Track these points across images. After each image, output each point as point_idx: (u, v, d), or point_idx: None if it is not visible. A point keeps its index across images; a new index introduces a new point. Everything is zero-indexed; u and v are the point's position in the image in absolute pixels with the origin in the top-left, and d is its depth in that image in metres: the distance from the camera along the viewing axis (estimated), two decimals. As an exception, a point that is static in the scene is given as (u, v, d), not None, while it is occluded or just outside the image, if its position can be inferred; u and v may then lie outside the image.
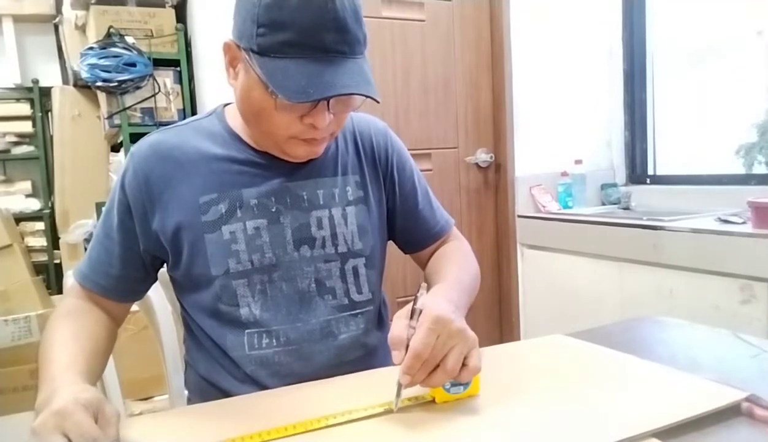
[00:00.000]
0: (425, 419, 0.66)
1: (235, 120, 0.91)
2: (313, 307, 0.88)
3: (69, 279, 0.94)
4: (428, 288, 0.77)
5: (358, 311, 0.92)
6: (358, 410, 0.67)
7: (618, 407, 0.66)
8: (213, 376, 0.90)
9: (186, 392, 0.99)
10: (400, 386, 0.66)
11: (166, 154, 0.87)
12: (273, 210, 0.87)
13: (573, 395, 0.70)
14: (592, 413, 0.65)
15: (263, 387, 0.85)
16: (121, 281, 0.88)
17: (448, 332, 0.66)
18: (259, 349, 0.86)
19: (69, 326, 0.80)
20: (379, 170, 0.98)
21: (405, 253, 1.05)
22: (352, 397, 0.72)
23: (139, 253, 0.88)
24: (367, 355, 0.93)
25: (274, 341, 0.86)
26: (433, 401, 0.69)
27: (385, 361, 0.96)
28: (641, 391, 0.71)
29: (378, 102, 0.78)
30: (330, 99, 0.76)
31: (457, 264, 0.94)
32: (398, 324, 0.69)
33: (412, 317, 0.69)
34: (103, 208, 0.90)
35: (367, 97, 0.77)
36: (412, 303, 0.70)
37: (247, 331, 0.86)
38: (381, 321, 0.99)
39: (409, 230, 1.02)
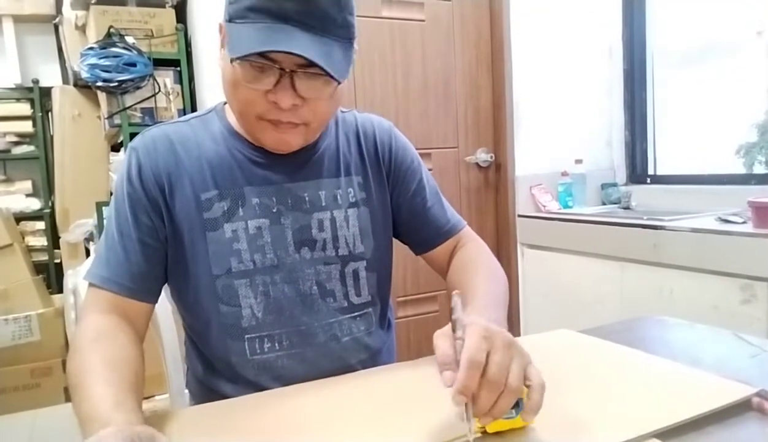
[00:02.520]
0: (427, 415, 0.66)
1: (234, 117, 0.89)
2: (315, 309, 0.88)
3: (87, 292, 0.83)
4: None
5: (357, 313, 0.91)
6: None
7: (629, 403, 0.66)
8: (213, 381, 0.89)
9: (186, 392, 0.99)
10: (467, 408, 0.56)
11: (168, 148, 0.86)
12: (274, 210, 0.86)
13: (582, 391, 0.70)
14: (601, 410, 0.65)
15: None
16: (146, 280, 0.83)
17: (502, 342, 0.58)
18: (261, 354, 0.85)
19: (104, 354, 0.71)
20: (383, 169, 0.96)
21: (417, 254, 1.02)
22: (355, 397, 0.73)
23: (158, 247, 0.84)
24: (370, 357, 0.93)
25: (276, 345, 0.86)
26: (483, 432, 0.61)
27: (388, 362, 0.95)
28: (652, 387, 0.71)
29: (338, 82, 0.76)
30: (294, 71, 0.74)
31: (484, 275, 0.87)
32: (444, 342, 0.60)
33: (454, 330, 0.61)
34: (109, 209, 0.86)
35: (321, 67, 0.73)
36: (450, 315, 0.63)
37: (247, 336, 0.85)
38: (386, 323, 0.99)
39: (418, 228, 0.98)
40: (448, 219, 0.99)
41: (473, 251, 0.96)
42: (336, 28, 0.75)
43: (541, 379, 0.58)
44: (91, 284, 0.82)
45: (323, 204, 0.89)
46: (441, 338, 0.61)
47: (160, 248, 0.85)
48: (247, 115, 0.81)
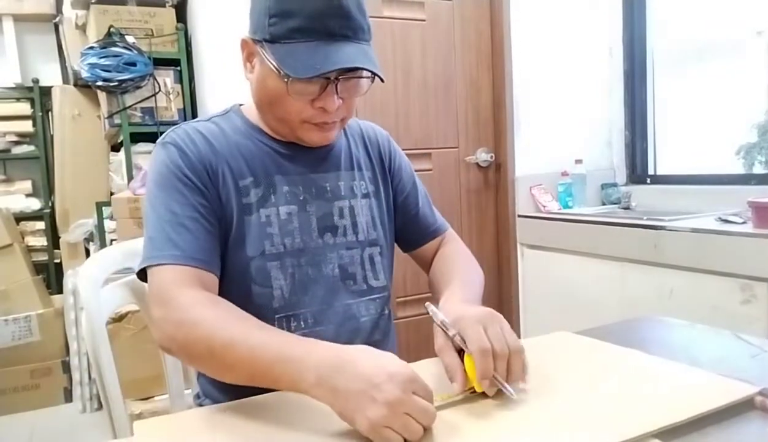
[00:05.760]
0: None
1: (254, 116, 0.95)
2: (336, 291, 0.94)
3: (155, 275, 0.81)
4: (438, 296, 0.83)
5: (375, 296, 0.98)
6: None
7: (629, 403, 0.66)
8: None
9: (187, 392, 0.99)
10: (498, 381, 0.68)
11: (203, 140, 0.90)
12: (301, 198, 0.93)
13: (582, 391, 0.70)
14: (602, 410, 0.65)
15: None
16: (213, 254, 0.85)
17: (490, 318, 0.72)
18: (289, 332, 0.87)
19: (243, 313, 0.77)
20: (386, 169, 1.05)
21: (405, 251, 1.11)
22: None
23: (216, 225, 0.87)
24: (383, 339, 0.98)
25: (302, 323, 0.90)
26: (472, 391, 0.70)
27: (391, 349, 0.97)
28: (653, 386, 0.71)
29: (383, 81, 0.84)
30: (338, 78, 0.82)
31: (462, 264, 1.02)
32: (448, 356, 0.71)
33: (446, 331, 0.72)
34: (151, 199, 0.86)
35: (372, 73, 0.83)
36: (440, 325, 0.74)
37: (276, 316, 0.89)
38: (389, 311, 1.03)
39: (409, 228, 1.08)
40: (435, 220, 1.11)
41: (454, 248, 1.08)
42: (363, 33, 0.84)
43: (518, 344, 0.71)
44: (159, 265, 0.81)
45: (342, 193, 0.97)
46: (445, 353, 0.72)
47: (217, 226, 0.87)
48: (292, 121, 0.88)
